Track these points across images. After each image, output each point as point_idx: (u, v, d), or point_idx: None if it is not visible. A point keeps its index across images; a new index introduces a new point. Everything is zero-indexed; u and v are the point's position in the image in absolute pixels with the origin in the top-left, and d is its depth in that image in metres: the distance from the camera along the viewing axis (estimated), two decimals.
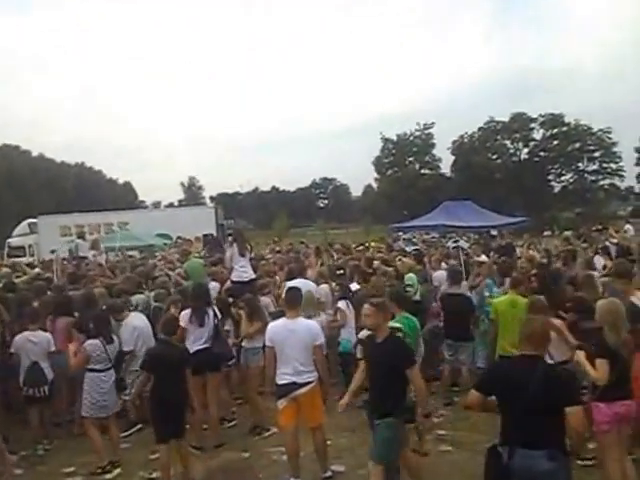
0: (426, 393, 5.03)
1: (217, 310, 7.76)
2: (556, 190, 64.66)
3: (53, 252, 16.74)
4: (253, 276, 9.96)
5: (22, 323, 7.51)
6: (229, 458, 2.03)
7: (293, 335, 6.00)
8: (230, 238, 10.34)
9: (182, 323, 7.17)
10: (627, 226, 21.13)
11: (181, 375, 6.21)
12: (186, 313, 7.39)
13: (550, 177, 64.57)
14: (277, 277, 10.21)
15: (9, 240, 29.68)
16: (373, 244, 18.43)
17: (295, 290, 6.58)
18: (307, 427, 6.21)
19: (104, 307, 7.83)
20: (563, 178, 64.49)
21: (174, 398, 6.07)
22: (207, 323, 7.39)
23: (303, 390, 5.97)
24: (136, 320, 7.70)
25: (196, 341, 7.26)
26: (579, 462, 5.89)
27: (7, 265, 16.74)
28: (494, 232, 23.40)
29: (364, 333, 5.89)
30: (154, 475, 6.42)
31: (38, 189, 65.63)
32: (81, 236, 16.12)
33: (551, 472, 3.89)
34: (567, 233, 16.21)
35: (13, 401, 7.91)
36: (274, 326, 6.28)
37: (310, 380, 6.02)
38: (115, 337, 7.08)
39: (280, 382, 6.04)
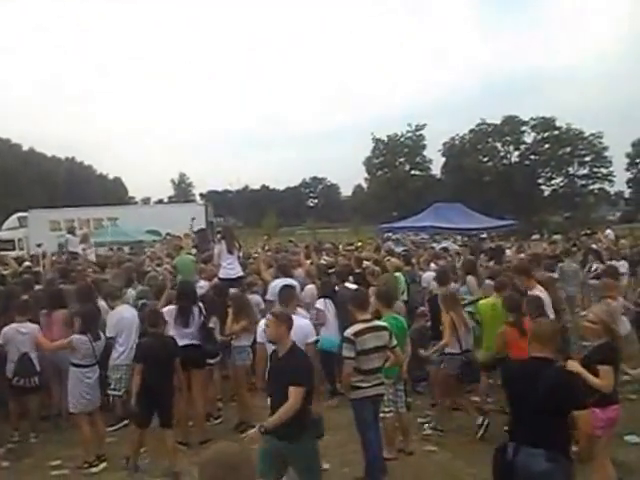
0: (291, 413, 4.65)
1: (202, 307, 7.76)
2: (546, 194, 64.86)
3: (39, 246, 16.67)
4: (241, 273, 9.98)
5: (9, 315, 7.49)
6: (224, 450, 2.02)
7: None
8: (219, 235, 10.33)
9: (167, 317, 7.17)
10: (607, 231, 21.50)
11: (170, 366, 6.48)
12: (171, 309, 7.39)
13: (540, 181, 64.73)
14: (265, 275, 10.18)
15: None
16: (360, 243, 18.47)
17: (289, 288, 6.65)
18: None
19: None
20: (553, 182, 64.65)
21: (161, 388, 6.33)
22: (192, 323, 7.41)
23: None
24: (126, 312, 7.66)
25: (182, 338, 7.23)
26: None
27: None
28: (483, 234, 23.59)
29: (350, 330, 5.90)
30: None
31: (28, 183, 65.22)
32: (71, 231, 16.03)
33: (548, 473, 3.95)
34: (556, 237, 16.29)
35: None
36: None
37: None
38: (102, 334, 7.07)
39: None
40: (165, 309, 7.39)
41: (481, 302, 8.03)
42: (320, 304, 8.60)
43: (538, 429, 3.97)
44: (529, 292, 7.35)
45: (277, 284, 8.56)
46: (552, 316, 7.00)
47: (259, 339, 6.21)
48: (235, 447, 2.37)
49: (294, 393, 4.73)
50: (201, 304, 7.76)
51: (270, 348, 5.92)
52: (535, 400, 3.97)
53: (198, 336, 7.42)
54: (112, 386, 7.37)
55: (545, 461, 3.93)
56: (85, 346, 6.70)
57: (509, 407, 4.35)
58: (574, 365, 5.06)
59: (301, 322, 6.21)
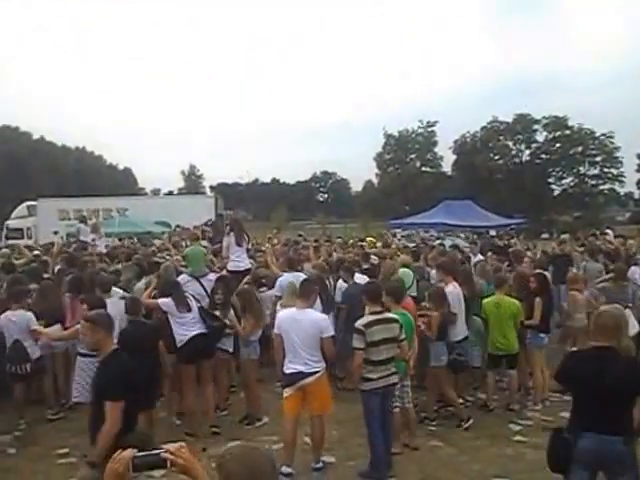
0: (112, 435, 4.07)
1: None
2: (556, 193, 64.61)
3: (56, 233, 16.79)
4: (249, 266, 10.00)
5: (4, 302, 7.60)
6: (250, 452, 1.96)
7: (298, 325, 6.03)
8: (228, 227, 10.32)
9: (165, 308, 7.26)
10: (606, 230, 21.39)
11: (153, 350, 6.80)
12: (167, 301, 7.33)
13: (550, 180, 64.50)
14: (273, 268, 10.17)
15: (7, 222, 29.64)
16: (371, 239, 18.42)
17: (308, 282, 6.62)
18: (305, 417, 6.27)
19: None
20: (563, 181, 64.38)
21: (145, 371, 6.29)
22: (193, 307, 7.41)
23: (310, 379, 6.00)
24: (110, 306, 7.21)
25: (188, 328, 7.24)
26: None
27: (6, 246, 16.83)
28: (493, 232, 23.55)
29: (360, 321, 5.97)
30: None
31: (38, 172, 65.44)
32: (83, 220, 16.09)
33: (623, 456, 4.08)
34: (564, 236, 16.20)
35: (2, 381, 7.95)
36: (283, 315, 6.36)
37: (317, 370, 6.04)
38: None
39: (287, 371, 6.09)
40: (160, 301, 7.37)
41: (485, 300, 8.05)
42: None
43: (611, 416, 4.08)
44: (445, 286, 7.91)
45: (285, 278, 8.60)
46: (457, 309, 7.65)
47: (275, 330, 6.29)
48: (262, 451, 2.30)
49: (110, 410, 4.20)
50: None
51: (287, 338, 6.05)
52: (605, 388, 4.03)
53: (201, 321, 7.36)
54: None
55: (622, 445, 4.06)
56: None
57: (574, 396, 4.39)
58: None
59: (316, 316, 6.28)
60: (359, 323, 5.98)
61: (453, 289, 7.88)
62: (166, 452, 2.22)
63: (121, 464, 2.22)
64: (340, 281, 9.27)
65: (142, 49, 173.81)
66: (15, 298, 7.54)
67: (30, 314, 7.52)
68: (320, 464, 6.24)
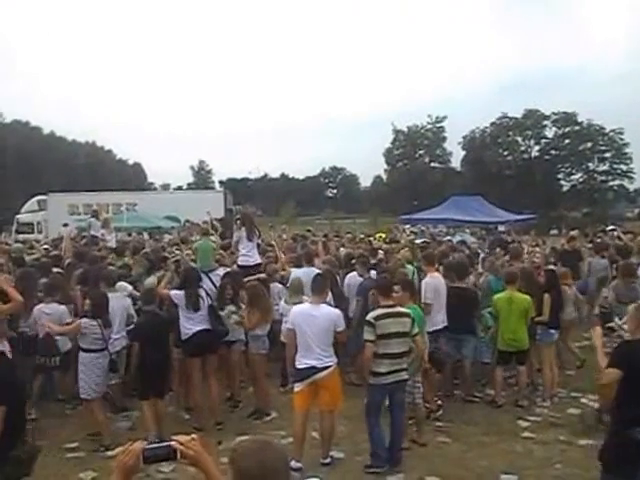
0: None
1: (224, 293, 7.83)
2: (565, 189, 64.41)
3: (65, 225, 16.84)
4: (259, 261, 10.02)
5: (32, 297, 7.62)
6: (260, 447, 1.93)
7: (313, 320, 6.06)
8: (239, 222, 10.30)
9: (176, 300, 7.36)
10: (610, 227, 21.30)
11: (165, 341, 6.93)
12: (179, 294, 7.41)
13: (560, 176, 64.27)
14: (282, 263, 10.17)
15: (18, 216, 29.72)
16: (378, 235, 18.42)
17: (322, 277, 6.65)
18: (315, 412, 6.31)
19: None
20: (573, 177, 64.21)
21: (157, 361, 6.70)
22: (203, 306, 7.44)
23: (322, 374, 6.03)
24: (114, 300, 7.44)
25: (194, 323, 7.32)
26: None
27: (19, 241, 16.90)
28: (502, 228, 23.47)
29: (372, 314, 6.02)
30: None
31: (49, 166, 65.65)
32: (94, 215, 16.11)
33: None
34: (573, 232, 16.16)
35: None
36: (297, 310, 6.38)
37: (329, 364, 6.07)
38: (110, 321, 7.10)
39: (299, 366, 6.12)
40: (172, 293, 7.48)
41: (497, 296, 8.02)
42: None
43: None
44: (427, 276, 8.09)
45: (296, 273, 8.62)
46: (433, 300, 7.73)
47: (289, 325, 6.33)
48: (274, 446, 2.28)
49: None
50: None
51: (300, 333, 6.08)
52: None
53: (209, 320, 7.42)
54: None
55: None
56: (94, 331, 6.72)
57: (629, 388, 4.10)
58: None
59: (331, 311, 6.31)
60: (370, 316, 6.03)
61: (431, 280, 7.94)
62: (176, 444, 2.22)
63: (131, 457, 2.21)
64: (349, 276, 9.27)
65: (153, 45, 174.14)
66: (49, 291, 7.68)
67: (64, 307, 7.60)
68: (329, 459, 6.27)
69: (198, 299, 7.40)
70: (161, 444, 2.26)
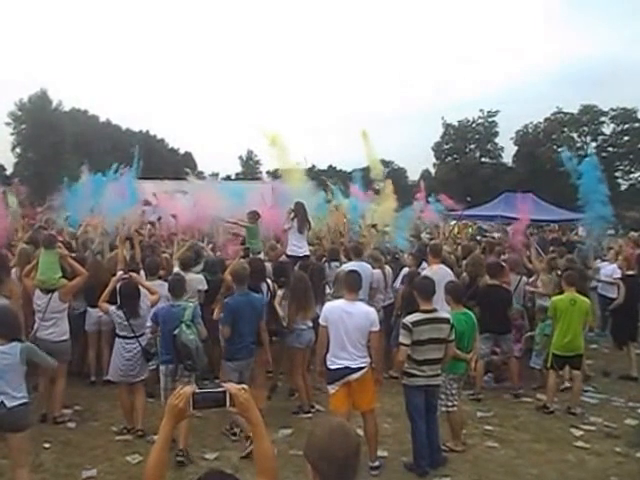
0: None
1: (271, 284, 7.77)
2: (623, 188, 62.55)
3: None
4: (307, 253, 10.02)
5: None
6: (335, 423, 1.95)
7: (349, 318, 5.82)
8: (292, 213, 10.15)
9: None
10: None
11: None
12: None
13: (617, 174, 62.39)
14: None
15: None
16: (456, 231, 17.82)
17: (355, 273, 6.30)
18: (356, 413, 6.13)
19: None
20: (631, 176, 62.30)
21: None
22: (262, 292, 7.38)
23: (356, 375, 5.81)
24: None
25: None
26: None
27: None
28: (581, 230, 22.85)
29: (409, 318, 5.83)
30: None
31: (103, 154, 67.24)
32: (147, 202, 16.23)
33: None
34: (633, 234, 15.60)
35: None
36: (331, 306, 6.11)
37: (363, 365, 5.85)
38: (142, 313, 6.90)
39: (332, 367, 5.88)
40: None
41: (558, 297, 7.77)
42: None
43: None
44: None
45: (348, 267, 8.47)
46: None
47: (322, 322, 6.03)
48: (347, 428, 2.21)
49: None
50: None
51: (334, 331, 5.89)
52: None
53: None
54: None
55: None
56: (120, 320, 6.72)
57: None
58: None
59: (366, 309, 6.08)
60: (408, 319, 5.84)
61: (427, 271, 7.95)
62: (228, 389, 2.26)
63: (181, 399, 2.24)
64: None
65: (205, 35, 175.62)
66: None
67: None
68: (377, 462, 6.03)
69: (258, 292, 7.31)
70: (212, 389, 2.28)
